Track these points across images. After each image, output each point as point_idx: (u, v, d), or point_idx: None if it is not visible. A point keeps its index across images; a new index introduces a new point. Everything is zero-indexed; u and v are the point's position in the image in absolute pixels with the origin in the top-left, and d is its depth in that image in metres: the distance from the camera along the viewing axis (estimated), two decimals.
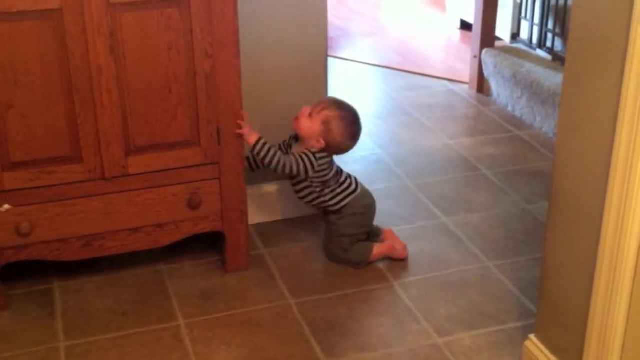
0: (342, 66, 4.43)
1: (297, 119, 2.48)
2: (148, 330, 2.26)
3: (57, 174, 2.22)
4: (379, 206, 2.77)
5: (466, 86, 4.10)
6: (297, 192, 2.56)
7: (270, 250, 2.65)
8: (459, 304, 2.38)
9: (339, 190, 2.53)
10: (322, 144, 2.45)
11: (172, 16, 2.15)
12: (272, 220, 2.81)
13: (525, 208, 2.93)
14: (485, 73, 3.96)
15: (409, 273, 2.54)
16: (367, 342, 2.23)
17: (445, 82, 4.19)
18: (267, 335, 2.24)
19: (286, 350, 2.19)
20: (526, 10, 3.91)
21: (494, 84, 3.92)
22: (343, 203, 2.54)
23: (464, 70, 4.23)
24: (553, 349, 1.99)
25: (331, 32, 4.74)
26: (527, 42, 3.93)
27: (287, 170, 2.44)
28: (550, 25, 3.75)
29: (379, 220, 2.72)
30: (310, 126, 2.45)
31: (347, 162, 3.15)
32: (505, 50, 3.94)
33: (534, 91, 3.58)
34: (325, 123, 2.45)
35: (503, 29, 4.07)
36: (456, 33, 5.03)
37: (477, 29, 3.98)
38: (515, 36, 4.05)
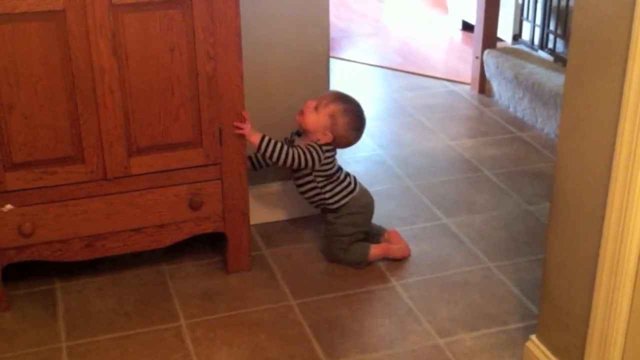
0: (343, 67, 4.44)
1: (301, 113, 2.48)
2: (150, 330, 2.27)
3: (59, 175, 2.22)
4: (380, 207, 2.78)
5: (468, 87, 4.10)
6: (299, 186, 2.55)
7: (272, 250, 2.65)
8: (461, 305, 2.39)
9: (338, 188, 2.54)
10: (330, 137, 2.46)
11: (175, 17, 2.16)
12: (274, 221, 2.81)
13: (526, 209, 2.93)
14: (487, 74, 3.96)
15: (411, 274, 2.54)
16: (369, 343, 2.23)
17: (447, 83, 4.19)
18: (269, 336, 2.25)
19: (288, 351, 2.19)
20: (528, 12, 3.92)
21: (495, 85, 3.92)
22: (342, 202, 2.54)
23: (466, 71, 4.23)
24: (554, 350, 1.99)
25: (333, 33, 4.74)
26: (529, 43, 3.93)
27: (296, 163, 2.44)
28: (551, 27, 3.75)
29: (381, 221, 2.72)
30: (316, 120, 2.46)
31: (348, 162, 3.16)
32: (506, 51, 3.94)
33: (535, 92, 3.59)
34: (332, 116, 2.45)
35: (505, 30, 4.08)
36: (458, 34, 5.03)
37: (478, 30, 3.98)
38: (516, 37, 4.05)
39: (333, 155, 2.52)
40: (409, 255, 2.61)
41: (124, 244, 2.35)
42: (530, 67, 3.72)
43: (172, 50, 2.18)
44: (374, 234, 2.65)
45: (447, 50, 4.81)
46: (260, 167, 2.57)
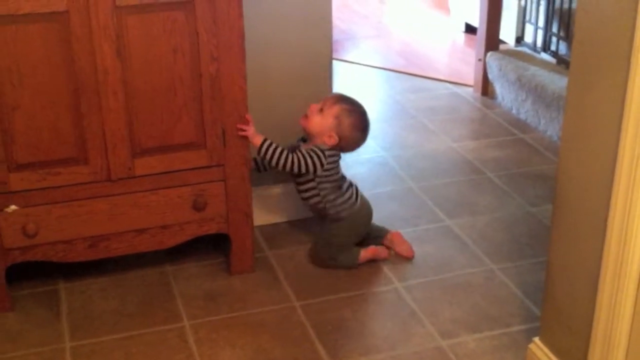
0: (346, 69, 4.44)
1: (305, 116, 2.47)
2: (153, 331, 2.27)
3: (63, 175, 2.22)
4: (383, 208, 2.78)
5: (470, 89, 4.11)
6: (301, 192, 2.55)
7: (275, 252, 2.65)
8: (463, 307, 2.39)
9: (339, 200, 2.53)
10: (335, 139, 2.45)
11: (178, 19, 2.16)
12: (277, 222, 2.81)
13: (529, 211, 2.93)
14: (490, 76, 3.96)
15: (413, 275, 2.54)
16: (372, 345, 2.23)
17: (450, 85, 4.19)
18: (272, 337, 2.25)
19: (291, 353, 2.19)
20: (531, 14, 3.92)
21: (498, 87, 3.92)
22: (341, 215, 2.54)
23: (469, 73, 4.23)
24: (557, 352, 1.99)
25: (335, 35, 4.73)
26: (532, 45, 3.93)
27: (296, 168, 2.44)
28: (554, 29, 3.75)
29: (384, 223, 2.73)
30: (321, 122, 2.45)
31: (351, 164, 3.16)
32: (509, 53, 3.94)
33: (538, 94, 3.59)
34: (338, 117, 2.45)
35: (507, 33, 4.08)
36: (460, 36, 5.03)
37: (481, 32, 3.98)
38: (519, 39, 4.05)
39: (337, 161, 2.51)
40: (413, 256, 2.62)
41: (127, 244, 2.36)
42: (533, 70, 3.72)
43: (175, 52, 2.19)
44: (375, 236, 2.65)
45: (450, 53, 4.81)
46: (265, 169, 2.57)
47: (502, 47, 4.02)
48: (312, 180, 2.49)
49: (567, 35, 3.65)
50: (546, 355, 2.02)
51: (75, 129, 2.19)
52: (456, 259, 2.63)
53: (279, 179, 2.75)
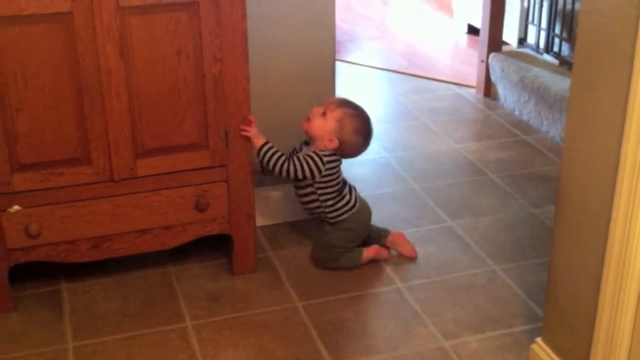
0: (349, 69, 4.44)
1: (307, 120, 2.47)
2: (155, 331, 2.27)
3: (66, 176, 2.23)
4: (385, 209, 2.79)
5: (473, 90, 4.11)
6: (300, 196, 2.55)
7: (278, 252, 2.66)
8: (466, 308, 2.39)
9: (339, 204, 2.53)
10: (336, 142, 2.44)
11: (181, 20, 2.16)
12: (280, 223, 2.82)
13: (532, 212, 2.93)
14: (493, 77, 3.96)
15: (416, 276, 2.54)
16: (374, 345, 2.23)
17: (452, 86, 4.19)
18: (274, 338, 2.25)
19: (293, 353, 2.19)
20: (533, 15, 3.92)
21: (501, 88, 3.92)
22: (340, 218, 2.54)
23: (471, 74, 4.23)
24: (559, 353, 2.00)
25: (338, 36, 4.75)
26: (534, 46, 3.93)
27: (292, 174, 2.44)
28: (557, 30, 3.75)
29: (386, 224, 2.73)
30: (323, 125, 2.44)
31: (353, 165, 3.16)
32: (512, 54, 3.94)
33: (540, 96, 3.59)
34: (340, 120, 2.44)
35: (510, 34, 4.08)
36: (463, 37, 5.03)
37: (484, 34, 3.98)
38: (522, 41, 4.05)
39: (337, 166, 2.50)
40: (416, 257, 2.62)
41: (130, 245, 2.36)
42: (535, 71, 3.72)
43: (178, 53, 2.19)
44: (376, 237, 2.65)
45: (453, 54, 4.81)
46: (270, 172, 2.56)
47: (504, 48, 4.02)
48: (311, 185, 2.49)
49: (570, 36, 3.65)
50: (548, 355, 2.02)
51: (78, 130, 2.20)
52: (458, 260, 2.63)
53: (281, 180, 2.75)
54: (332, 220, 2.54)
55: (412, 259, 2.61)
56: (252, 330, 2.28)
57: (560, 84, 3.51)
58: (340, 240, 2.54)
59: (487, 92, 4.01)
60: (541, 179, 3.18)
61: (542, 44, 3.87)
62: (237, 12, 2.19)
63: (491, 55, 3.95)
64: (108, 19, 2.10)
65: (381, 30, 5.24)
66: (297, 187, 2.54)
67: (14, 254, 2.27)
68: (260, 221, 2.72)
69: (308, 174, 2.44)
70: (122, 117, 2.21)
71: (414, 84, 4.23)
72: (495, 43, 3.96)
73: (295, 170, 2.43)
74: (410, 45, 4.90)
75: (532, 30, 3.97)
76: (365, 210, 2.61)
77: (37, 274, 2.49)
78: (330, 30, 2.66)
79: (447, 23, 5.27)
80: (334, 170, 2.49)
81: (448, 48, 4.91)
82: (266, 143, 2.40)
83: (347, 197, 2.54)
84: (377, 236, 2.65)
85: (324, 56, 2.67)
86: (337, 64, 2.93)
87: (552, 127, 3.54)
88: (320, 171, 2.45)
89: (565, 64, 3.68)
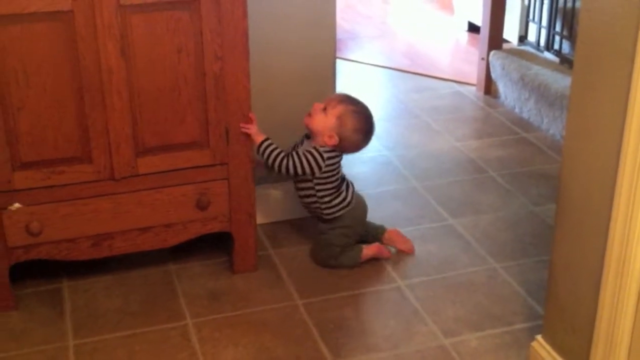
0: (350, 68, 4.44)
1: (309, 115, 2.46)
2: (156, 329, 2.28)
3: (67, 174, 2.23)
4: (386, 208, 2.79)
5: (474, 88, 4.11)
6: (298, 189, 2.54)
7: (278, 251, 2.66)
8: (466, 306, 2.39)
9: (335, 201, 2.52)
10: (336, 139, 2.43)
11: (182, 18, 2.17)
12: (280, 221, 2.82)
13: (532, 210, 2.93)
14: (493, 75, 3.96)
15: (416, 274, 2.54)
16: (374, 343, 2.23)
17: (453, 84, 4.19)
18: (275, 336, 2.25)
19: (293, 351, 2.20)
20: (534, 13, 3.92)
21: (501, 86, 3.92)
22: (336, 215, 2.54)
23: (472, 72, 4.23)
24: (559, 351, 2.00)
25: (339, 35, 4.75)
26: (535, 44, 3.93)
27: (292, 171, 2.44)
28: (557, 28, 3.75)
29: (387, 222, 2.73)
30: (324, 121, 2.43)
31: (354, 163, 3.16)
32: (512, 52, 3.94)
33: (541, 93, 3.59)
34: (340, 117, 2.43)
35: (511, 32, 4.08)
36: (464, 35, 5.03)
37: (484, 32, 3.98)
38: (522, 39, 4.05)
39: (337, 162, 2.49)
40: (413, 251, 2.62)
41: (131, 243, 2.37)
42: (536, 69, 3.72)
43: (179, 51, 2.19)
44: (373, 235, 2.65)
45: (453, 52, 4.81)
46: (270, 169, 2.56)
47: (505, 46, 4.02)
48: (310, 181, 2.49)
49: (571, 34, 3.65)
50: (549, 353, 2.03)
51: (79, 128, 2.20)
52: (459, 258, 2.63)
53: (281, 179, 2.75)
54: (327, 217, 2.54)
55: (410, 253, 2.61)
56: (253, 329, 2.28)
57: (561, 82, 3.51)
58: (337, 239, 2.54)
59: (488, 90, 4.02)
60: (542, 177, 3.18)
61: (542, 42, 3.87)
62: (238, 10, 2.19)
63: (492, 53, 3.95)
64: (109, 17, 2.10)
65: (382, 28, 5.24)
66: (296, 181, 2.53)
67: (14, 252, 2.27)
68: (260, 219, 2.73)
69: (307, 170, 2.44)
70: (123, 115, 2.21)
71: (415, 82, 4.23)
72: (496, 41, 3.96)
73: (295, 167, 2.43)
74: (411, 43, 4.90)
75: (532, 28, 3.97)
76: (360, 207, 2.60)
77: (38, 272, 2.49)
78: (331, 29, 2.66)
79: (448, 21, 5.27)
80: (333, 167, 2.49)
81: (449, 46, 4.91)
82: (266, 140, 2.40)
83: (344, 194, 2.54)
84: (374, 234, 2.65)
85: (324, 55, 2.68)
86: (338, 62, 2.94)
87: (552, 125, 3.54)
88: (320, 167, 2.45)
89: (566, 62, 3.68)
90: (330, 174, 2.49)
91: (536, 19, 3.90)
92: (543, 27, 3.85)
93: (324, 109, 2.44)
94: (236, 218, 2.43)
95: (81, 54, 2.12)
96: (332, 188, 2.51)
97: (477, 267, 2.58)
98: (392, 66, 4.48)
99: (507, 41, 4.09)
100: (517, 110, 3.80)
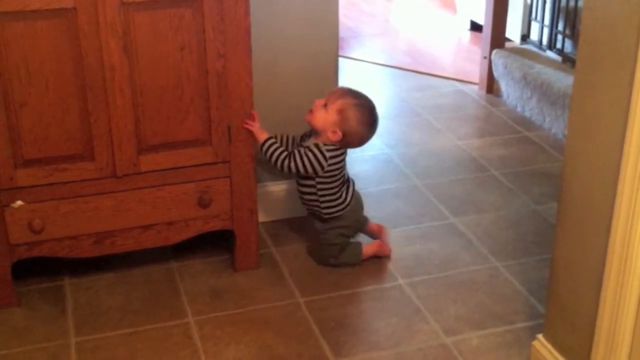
0: (352, 66, 4.44)
1: (310, 111, 2.44)
2: (158, 327, 2.28)
3: (69, 172, 2.23)
4: (387, 206, 2.79)
5: (476, 87, 4.11)
6: (300, 185, 2.53)
7: (280, 248, 2.66)
8: (468, 304, 2.39)
9: (335, 202, 2.51)
10: (339, 135, 2.40)
11: (185, 16, 2.17)
12: (282, 219, 2.82)
13: (534, 209, 2.93)
14: (495, 74, 3.96)
15: (418, 273, 2.54)
16: (376, 341, 2.24)
17: (455, 83, 4.19)
18: (276, 334, 2.26)
19: (295, 349, 2.20)
20: (536, 12, 3.92)
21: (503, 85, 3.92)
22: (334, 215, 2.53)
23: (474, 71, 4.23)
24: (561, 349, 2.00)
25: (342, 33, 4.74)
26: (537, 43, 3.93)
27: (294, 170, 2.43)
28: (560, 27, 3.75)
29: (388, 220, 2.74)
30: (325, 117, 2.40)
31: (356, 162, 3.17)
32: (515, 51, 3.94)
33: (543, 92, 3.59)
34: (341, 112, 2.40)
35: (513, 31, 4.08)
36: (466, 34, 5.03)
37: (487, 30, 3.98)
38: (525, 37, 4.05)
39: (341, 161, 2.47)
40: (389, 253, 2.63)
41: (133, 241, 2.37)
42: (538, 67, 3.72)
43: (182, 49, 2.20)
44: (363, 229, 2.67)
45: (456, 50, 4.81)
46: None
47: (507, 45, 4.02)
48: (313, 179, 2.48)
49: (573, 33, 3.65)
50: (550, 352, 2.03)
51: (82, 126, 2.20)
52: (461, 257, 2.63)
53: (283, 177, 2.75)
54: (325, 216, 2.53)
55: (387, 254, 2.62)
56: (254, 327, 2.28)
57: (563, 80, 3.51)
58: (337, 238, 2.54)
59: (490, 88, 4.01)
60: (544, 175, 3.18)
61: (545, 41, 3.87)
62: (240, 8, 2.19)
63: (494, 51, 3.95)
64: (112, 15, 2.11)
65: (385, 27, 5.24)
66: (299, 178, 2.53)
67: (17, 250, 2.28)
68: (262, 217, 2.73)
69: (310, 170, 2.43)
70: (126, 113, 2.21)
71: (417, 80, 4.23)
72: (498, 40, 3.96)
73: (297, 167, 2.42)
74: (414, 42, 4.90)
75: (535, 27, 3.97)
76: (358, 206, 2.61)
77: (41, 269, 2.49)
78: (333, 27, 2.66)
79: (450, 20, 5.27)
80: (337, 166, 2.47)
81: (451, 44, 4.91)
82: (269, 139, 2.40)
83: (344, 195, 2.54)
84: (361, 226, 2.66)
85: (326, 53, 2.68)
86: (341, 60, 2.94)
87: (554, 124, 3.54)
88: (322, 167, 2.44)
89: (568, 60, 3.68)
90: (333, 173, 2.47)
91: (539, 17, 3.90)
92: (545, 26, 3.85)
93: (325, 105, 2.42)
94: (238, 216, 2.43)
95: (84, 52, 2.12)
96: (334, 188, 2.50)
97: (479, 266, 2.58)
98: (394, 64, 4.48)
99: (509, 40, 4.09)
100: (519, 109, 3.80)
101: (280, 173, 2.51)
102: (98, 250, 2.35)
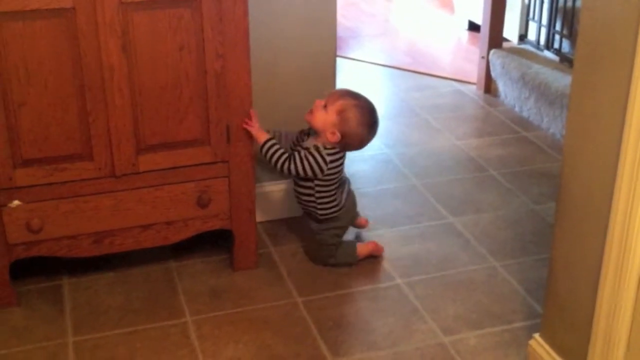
0: (351, 66, 4.45)
1: (310, 112, 2.43)
2: (157, 326, 2.28)
3: (68, 171, 2.24)
4: (386, 206, 2.79)
5: (474, 87, 4.11)
6: (297, 185, 2.53)
7: (278, 248, 2.66)
8: (466, 304, 2.40)
9: (332, 204, 2.51)
10: (338, 136, 2.40)
11: (184, 16, 2.17)
12: (281, 219, 2.82)
13: (532, 209, 2.94)
14: (493, 74, 3.97)
15: (416, 272, 2.55)
16: (374, 341, 2.24)
17: (453, 83, 4.20)
18: (275, 333, 2.26)
19: (293, 349, 2.20)
20: (534, 12, 3.92)
21: (501, 85, 3.93)
22: (329, 216, 2.53)
23: (472, 71, 4.24)
24: (558, 349, 2.00)
25: (341, 33, 4.76)
26: (535, 43, 3.94)
27: (294, 173, 2.43)
28: (557, 27, 3.76)
29: (387, 220, 2.74)
30: (325, 118, 2.39)
31: (354, 161, 3.17)
32: (513, 51, 3.95)
33: (541, 92, 3.59)
34: (341, 113, 2.39)
35: (511, 30, 4.08)
36: (464, 34, 5.04)
37: (485, 30, 3.99)
38: (523, 37, 4.05)
39: (340, 164, 2.48)
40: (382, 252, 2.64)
41: (132, 240, 2.37)
42: (536, 67, 3.72)
43: (181, 49, 2.20)
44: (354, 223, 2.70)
45: (454, 50, 4.81)
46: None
47: (505, 44, 4.03)
48: (311, 181, 2.48)
49: (571, 33, 3.65)
50: (547, 351, 2.03)
51: (81, 125, 2.20)
52: (459, 256, 2.64)
53: (282, 176, 2.76)
54: (321, 217, 2.53)
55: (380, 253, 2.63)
56: (253, 326, 2.29)
57: (561, 80, 3.52)
58: (332, 239, 2.54)
59: (488, 88, 4.02)
60: (542, 175, 3.19)
61: (542, 41, 3.88)
62: (239, 8, 2.20)
63: (492, 51, 3.95)
64: (110, 15, 2.11)
65: (385, 27, 5.24)
66: (297, 178, 2.52)
67: (15, 249, 2.28)
68: (261, 217, 2.73)
69: (310, 173, 2.43)
70: (125, 112, 2.22)
71: (416, 80, 4.24)
72: (496, 40, 3.97)
73: (297, 169, 2.42)
74: (412, 42, 4.90)
75: (532, 26, 3.97)
76: (351, 207, 2.61)
77: (39, 269, 2.49)
78: (332, 27, 2.66)
79: (449, 20, 5.28)
80: (337, 169, 2.47)
81: (449, 44, 4.91)
82: (269, 140, 2.40)
83: (338, 198, 2.54)
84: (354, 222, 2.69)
85: (325, 53, 2.68)
86: (340, 60, 2.95)
87: (552, 124, 3.55)
88: (322, 170, 2.43)
89: (566, 60, 3.69)
90: (332, 176, 2.47)
91: (536, 17, 3.90)
92: (543, 26, 3.85)
93: (325, 106, 2.42)
94: (237, 216, 2.44)
95: (83, 51, 2.13)
96: (331, 190, 2.50)
97: (477, 266, 2.58)
98: (393, 64, 4.48)
99: (507, 40, 4.09)
100: (517, 109, 3.80)
101: (279, 173, 2.51)
102: (97, 250, 2.36)
